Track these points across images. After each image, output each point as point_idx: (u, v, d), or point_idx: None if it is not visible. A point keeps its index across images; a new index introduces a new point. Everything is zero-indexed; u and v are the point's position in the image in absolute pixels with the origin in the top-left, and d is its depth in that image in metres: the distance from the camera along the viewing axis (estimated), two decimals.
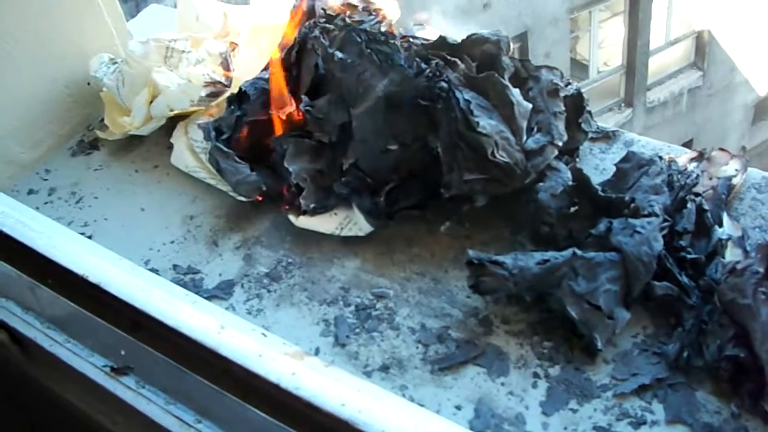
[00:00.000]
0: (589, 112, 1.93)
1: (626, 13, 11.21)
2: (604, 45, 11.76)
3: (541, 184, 1.73)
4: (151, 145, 2.26)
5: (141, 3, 7.57)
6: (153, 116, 2.19)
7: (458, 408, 1.50)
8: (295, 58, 1.96)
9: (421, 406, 1.49)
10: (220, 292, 1.80)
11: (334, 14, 1.97)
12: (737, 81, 12.04)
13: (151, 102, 2.18)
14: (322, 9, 2.00)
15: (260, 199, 1.96)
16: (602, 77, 11.56)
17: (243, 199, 1.98)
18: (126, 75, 2.23)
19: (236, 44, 2.24)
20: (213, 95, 2.14)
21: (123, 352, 1.45)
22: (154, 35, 2.29)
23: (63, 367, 1.51)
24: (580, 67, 11.55)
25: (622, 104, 11.68)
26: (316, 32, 1.90)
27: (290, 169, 1.84)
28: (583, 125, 1.90)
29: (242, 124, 1.99)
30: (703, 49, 11.79)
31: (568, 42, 11.08)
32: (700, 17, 11.54)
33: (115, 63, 2.30)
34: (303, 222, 1.87)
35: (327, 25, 1.92)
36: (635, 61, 11.32)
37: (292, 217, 1.88)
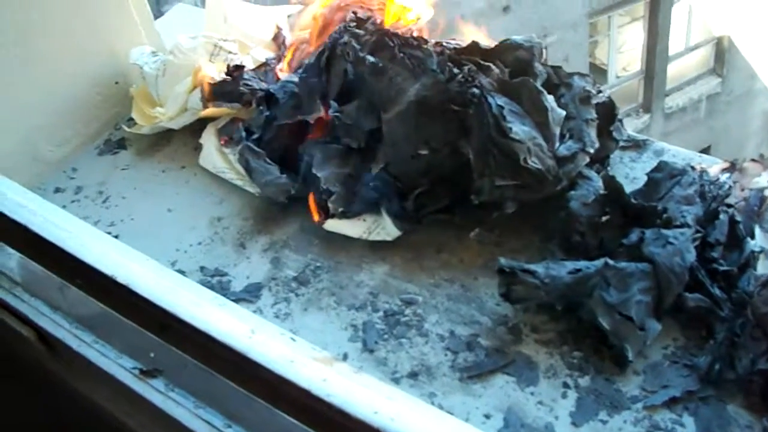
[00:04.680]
0: (620, 120, 1.91)
1: (646, 18, 11.16)
2: (623, 50, 11.72)
3: (572, 192, 1.72)
4: (179, 145, 2.27)
5: (162, 2, 7.60)
6: (188, 108, 2.20)
7: (487, 417, 1.50)
8: (324, 63, 1.95)
9: (450, 414, 1.48)
10: (248, 295, 1.80)
11: (364, 19, 1.96)
12: (757, 88, 11.97)
13: (190, 92, 2.19)
14: (353, 13, 2.00)
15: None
16: (621, 82, 11.52)
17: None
18: (169, 65, 2.25)
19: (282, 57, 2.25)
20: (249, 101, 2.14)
21: (152, 355, 1.45)
22: (204, 32, 2.31)
23: (91, 367, 1.51)
24: (598, 72, 11.50)
25: (641, 110, 11.63)
26: (346, 37, 1.90)
27: (319, 175, 1.84)
28: (614, 133, 1.89)
29: (272, 126, 1.98)
30: (722, 55, 11.73)
31: (587, 46, 11.04)
32: (720, 23, 11.49)
33: (156, 55, 2.31)
34: (331, 225, 1.87)
35: (357, 30, 1.91)
36: (654, 66, 11.27)
37: (320, 221, 1.88)
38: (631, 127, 10.10)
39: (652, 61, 11.31)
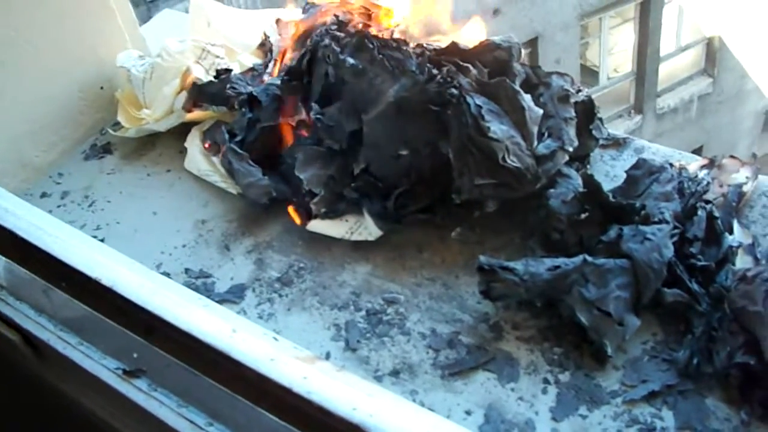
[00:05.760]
0: (600, 119, 1.93)
1: (636, 19, 11.20)
2: (615, 51, 11.76)
3: (551, 190, 1.74)
4: (164, 149, 2.28)
5: (153, 8, 7.63)
6: (175, 110, 2.21)
7: (468, 413, 1.51)
8: (306, 66, 1.97)
9: (431, 411, 1.50)
10: (232, 296, 1.81)
11: (345, 22, 1.98)
12: (748, 88, 12.02)
13: (178, 94, 2.20)
14: (335, 16, 2.02)
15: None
16: (612, 83, 11.56)
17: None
18: (156, 68, 2.26)
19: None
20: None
21: (135, 355, 1.46)
22: (193, 36, 2.33)
23: (76, 369, 1.52)
24: (590, 74, 11.55)
25: (632, 111, 11.68)
26: (327, 40, 1.91)
27: (301, 177, 1.86)
28: (593, 132, 1.91)
29: (255, 129, 2.00)
30: (713, 55, 11.78)
31: (578, 48, 11.08)
32: (711, 24, 11.53)
33: (144, 59, 2.33)
34: (314, 226, 1.88)
35: (338, 33, 1.93)
36: (645, 67, 11.32)
37: (302, 221, 1.89)
38: (623, 128, 10.16)
39: (644, 63, 11.36)
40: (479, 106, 1.72)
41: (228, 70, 2.19)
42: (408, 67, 1.80)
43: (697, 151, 12.01)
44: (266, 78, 2.20)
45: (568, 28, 10.64)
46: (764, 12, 10.99)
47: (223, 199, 2.07)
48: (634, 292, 1.57)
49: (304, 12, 2.23)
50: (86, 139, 2.37)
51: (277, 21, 2.38)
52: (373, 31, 1.96)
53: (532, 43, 10.48)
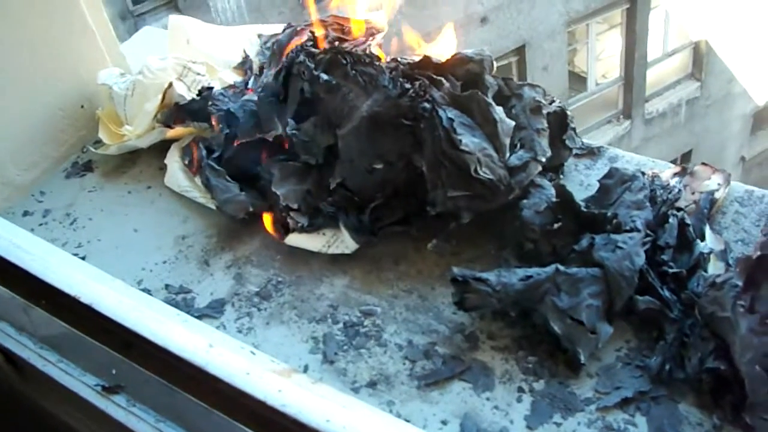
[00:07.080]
0: (574, 129, 1.95)
1: (623, 25, 11.26)
2: (602, 57, 11.80)
3: (525, 201, 1.75)
4: (144, 166, 2.30)
5: (140, 22, 7.65)
6: (156, 126, 2.23)
7: (444, 423, 1.52)
8: (282, 82, 1.99)
9: (408, 421, 1.51)
10: (212, 311, 1.82)
11: (320, 38, 2.00)
12: (735, 91, 12.08)
13: (159, 110, 2.22)
14: (310, 32, 2.04)
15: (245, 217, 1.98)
16: (601, 89, 11.60)
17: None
18: (138, 85, 2.28)
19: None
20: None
21: (114, 371, 1.47)
22: (174, 54, 2.35)
23: (56, 386, 1.53)
24: (578, 80, 11.59)
25: (621, 116, 11.72)
26: (302, 57, 1.93)
27: (278, 192, 1.87)
28: (567, 142, 1.93)
29: (232, 145, 2.02)
30: (700, 59, 11.84)
31: (566, 55, 11.12)
32: (697, 28, 11.58)
33: (125, 76, 2.35)
34: (292, 240, 1.90)
35: (312, 49, 1.95)
36: (633, 72, 11.37)
37: (280, 237, 1.91)
38: (612, 133, 10.17)
39: (631, 68, 11.42)
40: (451, 119, 1.74)
41: (210, 88, 2.20)
42: (380, 82, 1.82)
43: (687, 156, 12.07)
44: (248, 94, 2.21)
45: (555, 35, 10.69)
46: (750, 15, 11.05)
47: (203, 215, 2.09)
48: (606, 300, 1.59)
49: (283, 31, 2.25)
50: (67, 157, 2.38)
51: (259, 37, 2.40)
52: (347, 46, 1.98)
53: (520, 51, 10.52)
